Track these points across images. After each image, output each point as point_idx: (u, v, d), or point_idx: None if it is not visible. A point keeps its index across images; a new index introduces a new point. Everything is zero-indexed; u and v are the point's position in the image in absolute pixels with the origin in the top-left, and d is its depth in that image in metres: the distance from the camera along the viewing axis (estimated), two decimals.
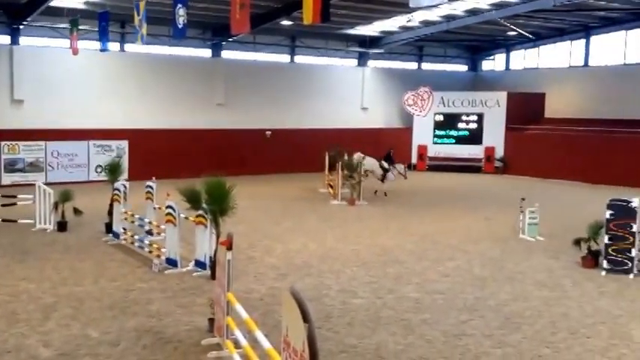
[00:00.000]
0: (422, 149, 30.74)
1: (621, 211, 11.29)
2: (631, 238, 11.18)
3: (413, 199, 21.22)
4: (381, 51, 31.78)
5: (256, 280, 10.76)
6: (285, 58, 30.14)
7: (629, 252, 11.23)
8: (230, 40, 26.50)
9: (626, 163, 24.30)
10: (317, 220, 16.74)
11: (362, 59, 32.15)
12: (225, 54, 28.09)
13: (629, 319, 9.03)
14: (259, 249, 13.09)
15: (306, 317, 4.36)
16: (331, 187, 21.10)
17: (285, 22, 25.47)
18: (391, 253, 12.94)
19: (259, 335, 6.05)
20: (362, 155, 21.01)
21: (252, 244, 13.46)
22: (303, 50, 30.33)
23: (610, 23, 29.63)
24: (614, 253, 11.34)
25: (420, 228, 15.85)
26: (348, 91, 31.28)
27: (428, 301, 9.75)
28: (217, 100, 27.31)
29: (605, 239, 11.47)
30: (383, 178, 21.50)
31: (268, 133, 27.85)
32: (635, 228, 11.17)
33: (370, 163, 21.30)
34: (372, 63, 32.57)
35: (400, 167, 22.09)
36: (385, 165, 21.75)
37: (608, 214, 11.40)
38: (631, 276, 11.17)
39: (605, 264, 11.48)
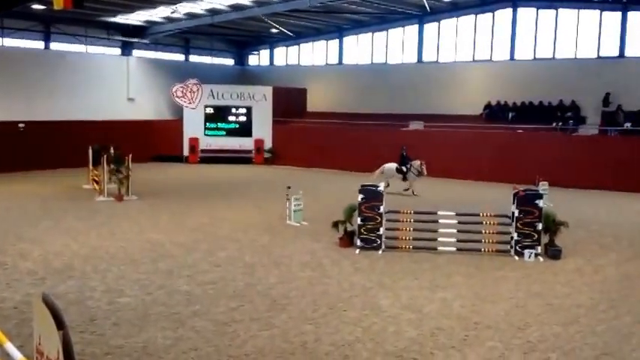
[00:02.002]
0: (193, 141, 30.64)
1: (370, 194, 12.60)
2: (379, 218, 12.55)
3: (185, 191, 21.09)
4: (146, 41, 30.91)
5: (9, 287, 9.81)
6: (38, 44, 27.71)
7: (378, 231, 12.58)
8: None
9: (374, 152, 26.91)
10: (80, 219, 15.75)
11: (126, 49, 30.96)
12: None
13: (379, 290, 10.10)
14: (12, 253, 11.93)
15: (60, 324, 4.13)
16: (96, 182, 19.99)
17: (37, 6, 23.41)
18: (162, 248, 12.74)
19: (9, 347, 5.56)
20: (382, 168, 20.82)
21: (3, 248, 12.24)
22: (59, 37, 28.20)
23: (359, 25, 32.60)
24: (366, 233, 12.61)
25: (192, 220, 15.83)
26: (112, 81, 29.91)
27: (199, 293, 9.83)
28: None
29: (358, 220, 12.68)
30: (404, 179, 20.96)
31: (21, 125, 25.39)
32: (382, 209, 12.56)
33: (387, 169, 20.99)
34: (137, 53, 31.51)
35: (416, 164, 20.87)
36: (402, 167, 20.97)
37: (359, 197, 12.62)
38: (380, 252, 12.51)
39: (358, 243, 12.70)
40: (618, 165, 21.90)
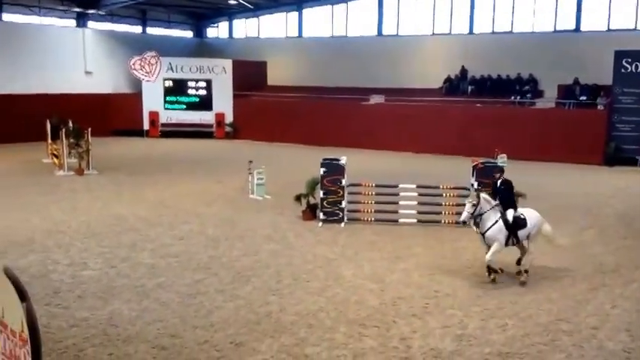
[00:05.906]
0: (153, 115, 30.17)
1: (332, 168, 12.74)
2: (341, 191, 12.70)
3: (146, 166, 20.88)
4: (102, 12, 30.16)
5: None
6: None
7: (340, 204, 12.75)
8: None
9: (334, 125, 27.04)
10: (40, 193, 15.53)
11: (81, 20, 30.13)
12: None
13: (341, 261, 10.29)
14: None
15: (22, 296, 4.16)
16: (56, 156, 19.64)
17: None
18: (125, 222, 12.70)
19: None
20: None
21: None
22: (11, 8, 27.24)
23: None
24: (328, 206, 12.77)
25: (154, 194, 15.76)
26: (67, 54, 29.16)
27: (163, 265, 9.88)
28: None
29: (321, 194, 12.82)
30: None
31: None
32: (343, 182, 12.73)
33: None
34: (92, 25, 30.72)
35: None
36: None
37: (322, 171, 12.76)
38: (342, 224, 12.70)
39: (321, 215, 12.86)
40: (574, 137, 22.45)
